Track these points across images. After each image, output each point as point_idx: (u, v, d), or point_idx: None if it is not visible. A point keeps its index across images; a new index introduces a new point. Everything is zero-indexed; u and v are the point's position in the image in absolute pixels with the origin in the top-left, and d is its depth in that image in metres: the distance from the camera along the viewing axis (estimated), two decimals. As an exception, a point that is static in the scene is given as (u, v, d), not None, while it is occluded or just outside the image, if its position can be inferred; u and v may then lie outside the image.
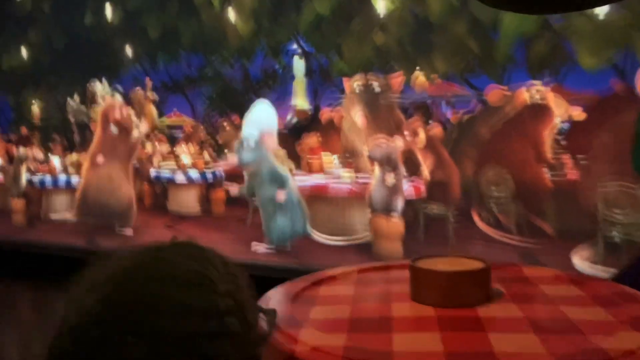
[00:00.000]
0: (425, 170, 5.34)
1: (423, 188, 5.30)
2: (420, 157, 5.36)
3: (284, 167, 5.43)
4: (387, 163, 4.85)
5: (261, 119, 5.23)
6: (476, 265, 1.94)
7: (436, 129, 5.55)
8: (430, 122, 6.15)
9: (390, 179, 4.81)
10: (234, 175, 6.74)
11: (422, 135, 5.29)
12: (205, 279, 0.62)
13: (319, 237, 5.36)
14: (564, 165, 5.29)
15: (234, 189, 5.49)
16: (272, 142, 5.18)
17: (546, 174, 5.19)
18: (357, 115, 5.57)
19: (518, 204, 5.06)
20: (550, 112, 5.22)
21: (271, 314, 0.76)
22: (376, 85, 5.66)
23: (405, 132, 5.27)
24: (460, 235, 5.14)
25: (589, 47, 5.16)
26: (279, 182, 5.14)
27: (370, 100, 5.61)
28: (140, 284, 0.60)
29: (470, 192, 5.33)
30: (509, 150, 5.26)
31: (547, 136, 5.27)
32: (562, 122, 5.47)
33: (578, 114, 5.23)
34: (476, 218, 5.18)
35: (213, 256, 0.67)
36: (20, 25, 8.19)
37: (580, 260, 4.39)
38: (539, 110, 5.25)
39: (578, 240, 4.59)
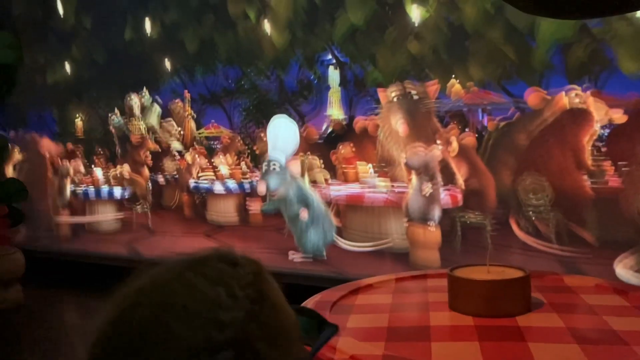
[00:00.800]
0: (460, 179, 5.31)
1: (460, 197, 5.26)
2: (454, 165, 5.33)
3: (309, 185, 5.53)
4: (425, 172, 4.83)
5: (286, 139, 5.27)
6: (515, 274, 1.92)
7: (468, 138, 5.51)
8: (466, 130, 6.09)
9: (428, 188, 4.79)
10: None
11: (454, 144, 5.27)
12: (207, 309, 0.60)
13: (344, 244, 5.41)
14: (605, 172, 5.18)
15: (256, 207, 5.61)
16: (296, 167, 5.25)
17: (586, 181, 5.09)
18: (398, 124, 5.57)
19: (557, 212, 4.97)
20: (590, 117, 5.12)
21: (332, 329, 0.75)
22: (414, 93, 5.66)
23: (438, 142, 5.25)
24: (499, 244, 5.07)
25: (630, 52, 5.05)
26: (305, 201, 5.21)
27: (410, 108, 5.60)
28: (144, 308, 0.60)
29: (508, 200, 5.26)
30: (547, 157, 5.17)
31: (587, 142, 5.17)
32: (602, 127, 5.35)
33: (619, 116, 5.11)
34: (514, 226, 5.11)
35: (235, 277, 0.64)
36: (64, 41, 8.47)
37: (624, 270, 4.28)
38: (579, 116, 5.15)
39: (621, 249, 4.48)
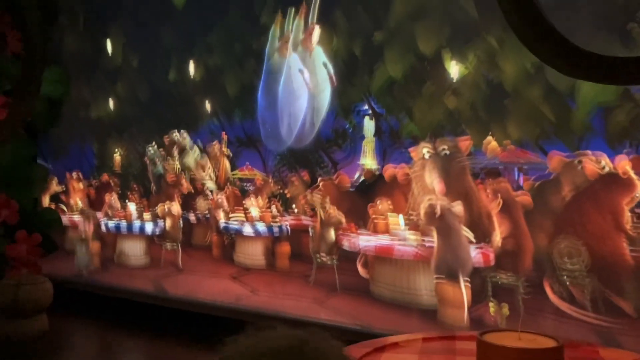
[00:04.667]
0: (498, 236, 5.17)
1: (492, 256, 5.14)
2: (495, 220, 5.20)
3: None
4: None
5: None
6: (548, 343, 1.84)
7: (525, 197, 5.34)
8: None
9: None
10: (300, 231, 6.80)
11: (499, 199, 5.16)
12: None
13: None
14: (645, 239, 5.01)
15: None
16: None
17: (625, 248, 4.92)
18: (435, 182, 5.52)
19: (594, 278, 4.80)
20: (630, 182, 5.00)
21: None
22: (445, 149, 5.62)
23: (488, 190, 5.15)
24: (531, 307, 4.91)
25: (673, 119, 4.96)
26: None
27: (444, 166, 5.57)
28: None
29: (542, 263, 5.11)
30: (584, 221, 5.04)
31: (627, 205, 5.03)
32: None
33: None
34: (548, 290, 4.95)
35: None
36: (109, 78, 8.78)
37: (663, 345, 4.08)
38: (618, 180, 5.04)
39: (661, 323, 4.29)
